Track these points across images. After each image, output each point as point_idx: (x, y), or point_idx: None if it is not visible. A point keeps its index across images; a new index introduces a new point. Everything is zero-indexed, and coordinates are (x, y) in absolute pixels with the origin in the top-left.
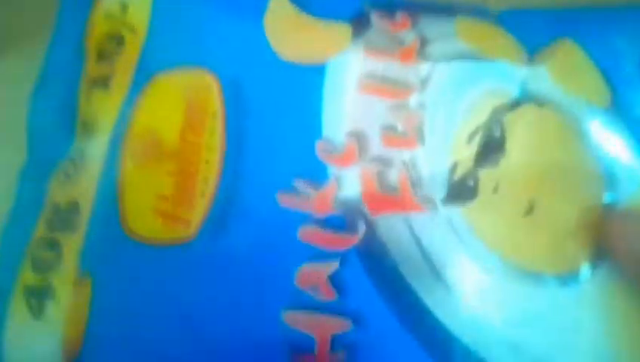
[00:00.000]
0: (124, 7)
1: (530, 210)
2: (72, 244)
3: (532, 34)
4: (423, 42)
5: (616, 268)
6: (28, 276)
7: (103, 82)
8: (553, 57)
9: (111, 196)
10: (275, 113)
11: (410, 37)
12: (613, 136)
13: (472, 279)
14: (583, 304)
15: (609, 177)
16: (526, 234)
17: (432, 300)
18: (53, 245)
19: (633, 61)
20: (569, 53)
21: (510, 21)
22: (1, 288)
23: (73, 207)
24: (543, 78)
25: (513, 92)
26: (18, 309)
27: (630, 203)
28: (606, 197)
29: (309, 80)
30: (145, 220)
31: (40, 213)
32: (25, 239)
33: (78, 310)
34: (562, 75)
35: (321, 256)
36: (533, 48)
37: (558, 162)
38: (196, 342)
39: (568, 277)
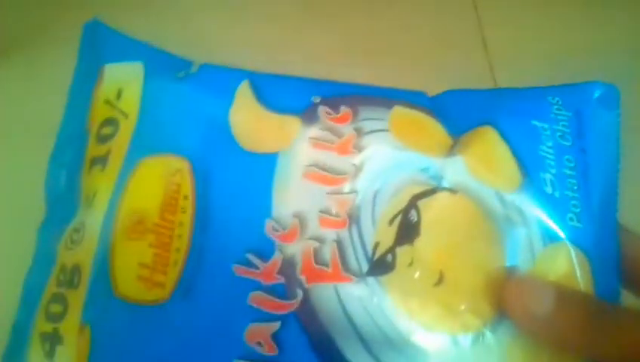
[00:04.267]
0: (119, 93)
1: (440, 280)
2: (76, 300)
3: (459, 119)
4: (359, 135)
5: (515, 325)
6: (42, 324)
7: (101, 162)
8: (471, 148)
9: (104, 262)
10: (234, 196)
11: (348, 130)
12: (516, 215)
13: (390, 341)
14: (491, 358)
15: (510, 248)
16: (437, 301)
17: (354, 356)
18: (61, 300)
19: (548, 138)
20: (487, 142)
21: (442, 105)
22: (23, 329)
23: (76, 269)
24: (459, 168)
25: (431, 181)
26: (35, 351)
27: (525, 269)
28: (506, 266)
29: (262, 167)
30: (130, 284)
31: (52, 268)
32: (41, 290)
33: (81, 354)
34: (476, 167)
35: (266, 317)
36: (458, 132)
37: (464, 239)
38: None
39: (475, 336)
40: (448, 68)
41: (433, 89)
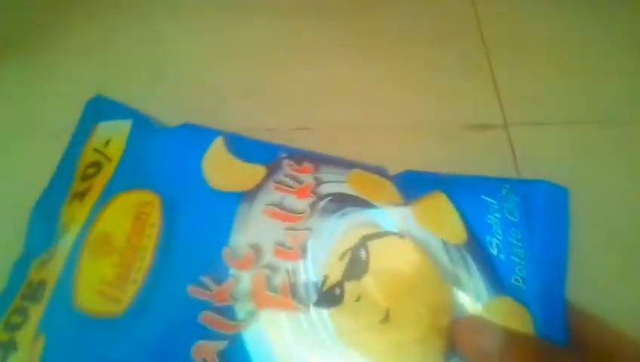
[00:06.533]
0: (107, 142)
1: (386, 318)
2: (37, 312)
3: (414, 188)
4: (318, 183)
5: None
6: (0, 334)
7: (80, 196)
8: (420, 204)
9: (69, 278)
10: (197, 225)
11: (308, 179)
12: (461, 264)
13: None
14: None
15: (456, 294)
16: (381, 338)
17: None
18: (23, 312)
19: (496, 211)
20: (436, 200)
21: (400, 179)
22: None
23: (41, 284)
24: (407, 217)
25: (381, 226)
26: None
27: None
28: (454, 308)
29: (225, 203)
30: (89, 297)
31: (19, 289)
32: (5, 310)
33: (32, 360)
34: (424, 218)
35: (214, 336)
36: (411, 198)
37: (411, 281)
38: None
39: None
40: (447, 66)
41: (431, 87)
